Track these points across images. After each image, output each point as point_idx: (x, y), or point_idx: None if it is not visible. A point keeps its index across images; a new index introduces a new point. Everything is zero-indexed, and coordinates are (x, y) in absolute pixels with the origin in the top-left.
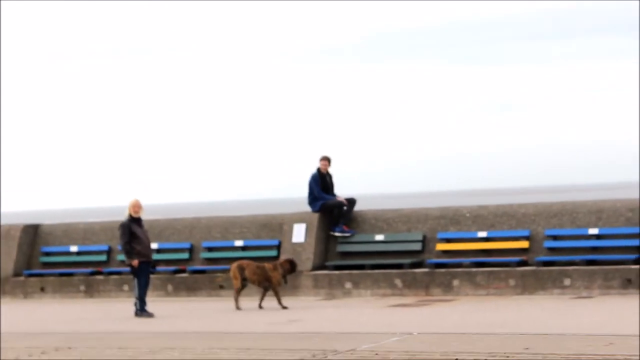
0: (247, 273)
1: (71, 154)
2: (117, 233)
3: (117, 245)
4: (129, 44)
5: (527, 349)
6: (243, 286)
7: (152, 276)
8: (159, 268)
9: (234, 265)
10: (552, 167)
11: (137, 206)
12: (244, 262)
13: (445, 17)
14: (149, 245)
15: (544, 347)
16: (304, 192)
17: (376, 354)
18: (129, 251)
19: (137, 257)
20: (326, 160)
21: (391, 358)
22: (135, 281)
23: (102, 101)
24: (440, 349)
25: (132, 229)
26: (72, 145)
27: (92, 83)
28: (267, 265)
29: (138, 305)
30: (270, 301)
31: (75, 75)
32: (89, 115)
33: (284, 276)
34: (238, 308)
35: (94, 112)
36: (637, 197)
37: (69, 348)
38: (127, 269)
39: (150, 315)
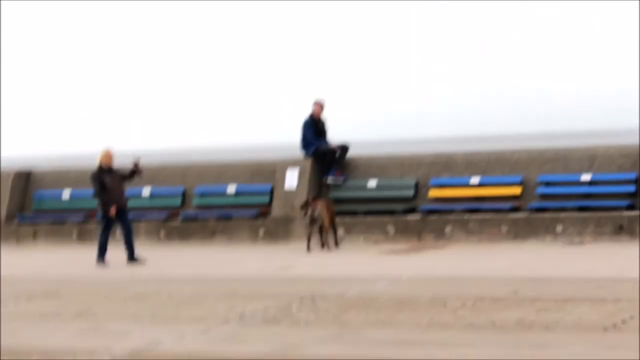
0: (329, 212)
1: (63, 99)
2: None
3: None
4: None
5: (515, 292)
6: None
7: (145, 222)
8: (153, 214)
9: (322, 202)
10: (546, 113)
11: (108, 156)
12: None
13: None
14: (121, 194)
15: (532, 292)
16: (296, 137)
17: (364, 299)
18: (105, 201)
19: (107, 207)
20: (319, 105)
21: (379, 302)
22: (101, 229)
23: (96, 47)
24: (428, 293)
25: (102, 180)
26: (64, 90)
27: (89, 27)
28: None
29: (97, 252)
30: (256, 247)
31: (71, 20)
32: (83, 60)
33: None
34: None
35: (88, 57)
36: (631, 143)
37: (56, 294)
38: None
39: (104, 263)
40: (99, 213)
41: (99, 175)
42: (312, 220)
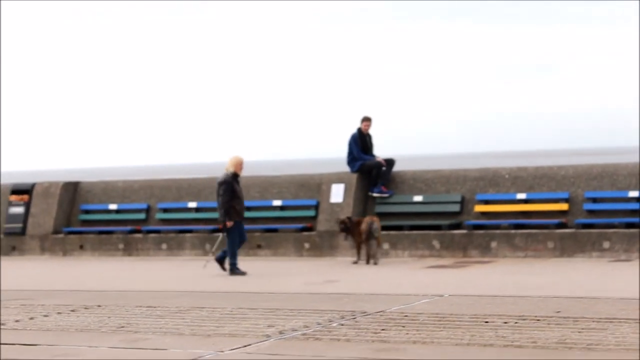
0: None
1: (112, 114)
2: (156, 192)
3: (157, 204)
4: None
5: (558, 312)
6: None
7: (190, 235)
8: (198, 227)
9: (377, 218)
10: (593, 129)
11: (242, 164)
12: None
13: None
14: (244, 205)
15: (575, 311)
16: (343, 152)
17: (405, 316)
18: (228, 210)
19: (235, 217)
20: (368, 120)
21: (420, 320)
22: (228, 240)
23: (141, 63)
24: (470, 311)
25: (234, 187)
26: (113, 105)
27: (128, 44)
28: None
29: (230, 263)
30: (301, 261)
31: (111, 32)
32: (127, 76)
33: None
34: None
35: (134, 75)
36: None
37: (98, 306)
38: (167, 227)
39: (242, 273)
40: (222, 222)
41: (232, 182)
42: (370, 234)
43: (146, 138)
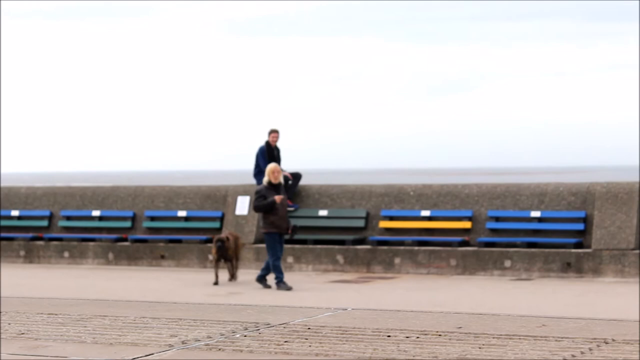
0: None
1: (18, 118)
2: (60, 199)
3: (59, 211)
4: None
5: (459, 327)
6: None
7: (93, 243)
8: (101, 235)
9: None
10: (496, 150)
11: (276, 172)
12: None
13: None
14: (284, 215)
15: (477, 327)
16: (249, 164)
17: (308, 328)
18: (261, 208)
19: (270, 228)
20: (276, 132)
21: (323, 333)
22: (268, 252)
23: (51, 69)
24: (373, 325)
25: (266, 197)
26: (18, 109)
27: (33, 52)
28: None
29: (275, 276)
30: (205, 272)
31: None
32: (40, 80)
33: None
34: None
35: (44, 79)
36: (580, 181)
37: None
38: (70, 235)
39: (289, 288)
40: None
41: (265, 192)
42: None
43: (51, 144)
